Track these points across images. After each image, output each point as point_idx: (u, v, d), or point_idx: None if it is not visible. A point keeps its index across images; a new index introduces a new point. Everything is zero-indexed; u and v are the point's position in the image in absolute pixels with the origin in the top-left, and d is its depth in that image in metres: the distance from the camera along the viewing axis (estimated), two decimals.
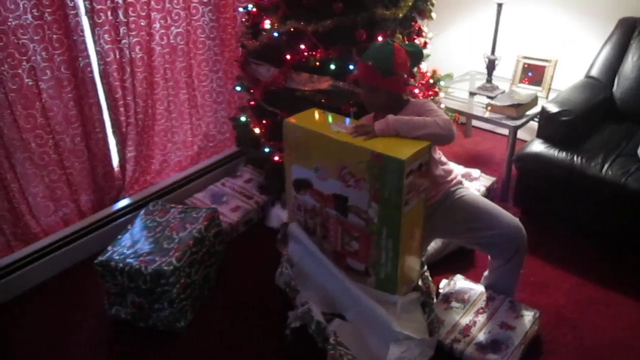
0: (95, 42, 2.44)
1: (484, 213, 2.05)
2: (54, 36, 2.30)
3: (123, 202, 2.80)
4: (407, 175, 1.72)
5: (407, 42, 2.30)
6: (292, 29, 2.40)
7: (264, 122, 2.74)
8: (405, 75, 1.98)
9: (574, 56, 3.17)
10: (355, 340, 1.95)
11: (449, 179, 2.15)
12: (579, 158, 2.50)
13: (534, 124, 2.94)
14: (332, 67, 2.42)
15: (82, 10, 2.36)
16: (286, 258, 2.22)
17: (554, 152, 2.57)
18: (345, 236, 1.99)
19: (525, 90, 3.08)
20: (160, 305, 2.14)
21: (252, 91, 2.73)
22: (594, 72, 2.93)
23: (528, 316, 2.04)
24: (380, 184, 1.78)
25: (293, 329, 2.03)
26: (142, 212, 2.46)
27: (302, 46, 2.42)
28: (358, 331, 1.97)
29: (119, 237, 2.30)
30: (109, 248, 2.22)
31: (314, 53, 2.41)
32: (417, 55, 2.09)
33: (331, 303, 2.06)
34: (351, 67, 2.42)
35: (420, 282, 2.09)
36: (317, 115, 2.07)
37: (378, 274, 1.96)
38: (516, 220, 2.04)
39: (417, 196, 1.84)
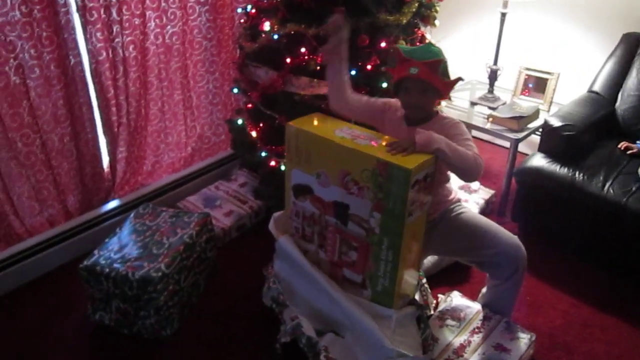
0: (86, 40, 2.36)
1: (482, 231, 2.00)
2: (44, 33, 2.23)
3: (112, 204, 2.74)
4: (412, 185, 1.67)
5: None
6: (292, 32, 2.34)
7: (260, 125, 2.68)
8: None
9: (577, 69, 3.12)
10: (346, 356, 1.89)
11: (450, 197, 2.09)
12: (580, 175, 2.45)
13: (535, 137, 2.90)
14: None
15: (74, 8, 2.29)
16: (273, 274, 2.16)
17: (555, 168, 2.52)
18: (344, 246, 1.94)
19: (527, 102, 3.04)
20: (145, 313, 2.08)
21: (249, 94, 2.67)
22: (597, 87, 2.88)
23: (524, 339, 1.99)
24: (384, 193, 1.73)
25: (283, 343, 1.97)
26: (132, 215, 2.40)
27: (303, 49, 2.36)
28: (350, 347, 1.92)
29: (107, 240, 2.24)
30: (95, 252, 2.15)
31: (314, 57, 2.35)
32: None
33: (322, 319, 2.01)
34: (352, 72, 2.36)
35: (417, 295, 2.05)
36: (320, 120, 2.01)
37: (375, 286, 1.90)
38: (515, 238, 1.98)
39: (420, 208, 1.78)
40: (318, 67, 2.35)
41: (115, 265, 2.06)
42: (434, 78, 1.84)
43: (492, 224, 2.03)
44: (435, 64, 1.82)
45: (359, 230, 1.86)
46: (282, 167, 2.55)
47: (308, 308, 2.03)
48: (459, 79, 1.91)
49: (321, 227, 1.98)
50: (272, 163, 2.61)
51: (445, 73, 1.88)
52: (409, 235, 1.78)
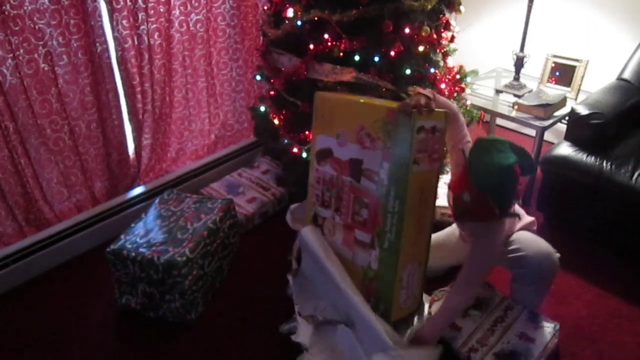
0: (113, 27, 2.39)
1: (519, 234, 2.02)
2: (71, 21, 2.26)
3: (137, 190, 2.78)
4: (418, 130, 1.74)
5: (514, 147, 1.77)
6: (315, 18, 2.33)
7: (283, 112, 2.68)
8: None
9: (606, 57, 3.05)
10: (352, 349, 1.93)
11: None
12: (608, 164, 2.40)
13: (561, 126, 2.85)
14: (357, 58, 2.36)
15: None
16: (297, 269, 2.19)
17: (582, 157, 2.48)
18: (357, 205, 1.97)
19: (554, 90, 2.98)
20: (171, 296, 2.12)
21: (272, 81, 2.67)
22: (627, 75, 2.81)
23: (548, 328, 1.98)
24: (392, 140, 1.80)
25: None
26: (157, 200, 2.43)
27: (326, 36, 2.35)
28: (357, 343, 1.93)
29: (132, 225, 2.28)
30: (122, 237, 2.19)
31: (337, 43, 2.34)
32: (529, 170, 1.83)
33: (340, 312, 2.02)
34: (376, 59, 2.35)
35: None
36: (346, 93, 2.18)
37: (382, 244, 1.89)
38: (547, 248, 1.97)
39: (429, 161, 1.82)
40: (341, 54, 2.35)
41: (141, 249, 2.10)
42: (486, 216, 1.74)
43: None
44: (487, 204, 1.70)
45: (370, 184, 1.91)
46: (304, 155, 2.56)
47: (328, 299, 2.05)
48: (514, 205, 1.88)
49: (338, 189, 2.04)
50: (295, 150, 2.62)
51: (505, 208, 1.77)
52: (416, 184, 1.80)
